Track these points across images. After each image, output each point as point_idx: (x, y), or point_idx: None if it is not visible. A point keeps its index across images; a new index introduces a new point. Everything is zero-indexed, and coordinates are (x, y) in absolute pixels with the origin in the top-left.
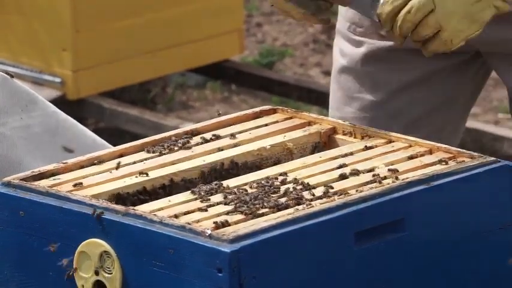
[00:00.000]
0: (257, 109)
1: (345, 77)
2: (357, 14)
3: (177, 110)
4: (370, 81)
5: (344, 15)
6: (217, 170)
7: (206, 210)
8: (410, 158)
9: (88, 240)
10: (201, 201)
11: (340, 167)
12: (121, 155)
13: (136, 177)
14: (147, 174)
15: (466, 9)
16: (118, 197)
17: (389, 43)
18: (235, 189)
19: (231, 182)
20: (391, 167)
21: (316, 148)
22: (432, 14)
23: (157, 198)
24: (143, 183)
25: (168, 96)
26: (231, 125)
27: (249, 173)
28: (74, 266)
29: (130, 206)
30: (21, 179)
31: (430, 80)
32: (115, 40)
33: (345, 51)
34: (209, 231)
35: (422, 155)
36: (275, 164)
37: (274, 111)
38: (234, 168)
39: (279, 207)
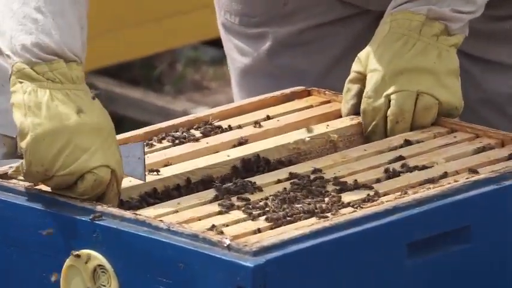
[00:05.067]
0: (287, 90)
1: (252, 78)
2: (246, 3)
3: (188, 91)
4: (288, 73)
5: (228, 8)
6: (244, 168)
7: (225, 216)
8: (477, 151)
9: (79, 252)
10: (219, 205)
11: (390, 162)
12: None
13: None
14: (158, 172)
15: (441, 72)
16: (121, 201)
17: (297, 26)
18: (261, 190)
19: (256, 181)
20: (453, 162)
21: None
22: (420, 96)
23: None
24: (153, 183)
25: (178, 75)
26: (256, 110)
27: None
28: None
29: (132, 210)
30: None
31: (358, 45)
32: (112, 5)
33: (244, 49)
34: (228, 242)
35: (491, 148)
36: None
37: (308, 93)
38: (265, 165)
39: (313, 212)
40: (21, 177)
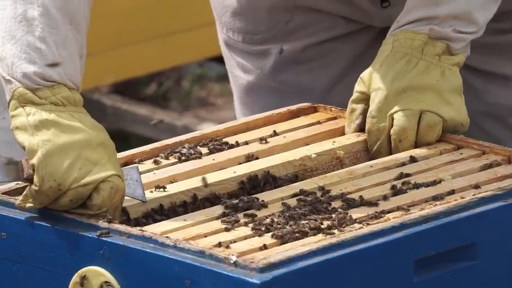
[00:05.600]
0: (293, 107)
1: (256, 94)
2: (248, 21)
3: (194, 108)
4: (292, 90)
5: (231, 26)
6: (250, 184)
7: (231, 232)
8: (484, 168)
9: (85, 269)
10: (225, 221)
11: (396, 179)
12: (126, 164)
13: (151, 192)
14: (164, 189)
15: (444, 89)
16: (128, 217)
17: (300, 42)
18: (268, 207)
19: (263, 197)
20: (459, 179)
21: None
22: (423, 115)
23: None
24: (160, 199)
25: (184, 91)
26: (262, 126)
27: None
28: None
29: (139, 227)
30: (3, 193)
31: (361, 61)
32: (118, 22)
33: (247, 66)
34: (234, 258)
35: (498, 165)
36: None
37: (314, 110)
38: (272, 181)
39: (319, 229)
40: (30, 204)
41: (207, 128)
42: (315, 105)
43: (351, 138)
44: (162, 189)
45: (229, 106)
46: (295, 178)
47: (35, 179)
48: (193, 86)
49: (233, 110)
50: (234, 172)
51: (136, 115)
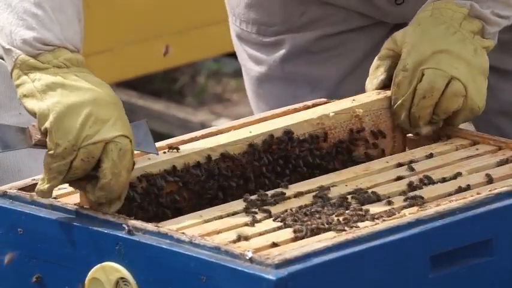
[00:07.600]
0: (309, 102)
1: (269, 85)
2: (264, 13)
3: (210, 103)
4: (304, 79)
5: (245, 18)
6: (266, 144)
7: (247, 228)
8: (500, 163)
9: (101, 264)
10: (241, 217)
11: (412, 175)
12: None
13: (164, 153)
14: (177, 149)
15: (475, 67)
16: (141, 179)
17: (316, 32)
18: (284, 202)
19: (279, 192)
20: (475, 174)
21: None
22: (453, 81)
23: (189, 181)
24: (173, 160)
25: (199, 87)
26: None
27: (307, 146)
28: None
29: (155, 223)
30: (19, 189)
31: (376, 53)
32: (133, 18)
33: (259, 57)
34: (250, 254)
35: None
36: (339, 138)
37: None
38: (288, 141)
39: (335, 225)
40: (47, 185)
41: (223, 124)
42: (330, 101)
43: (371, 96)
44: (175, 150)
45: (245, 102)
46: (314, 138)
47: (49, 143)
48: (208, 81)
49: (249, 106)
50: (250, 132)
51: (152, 111)
